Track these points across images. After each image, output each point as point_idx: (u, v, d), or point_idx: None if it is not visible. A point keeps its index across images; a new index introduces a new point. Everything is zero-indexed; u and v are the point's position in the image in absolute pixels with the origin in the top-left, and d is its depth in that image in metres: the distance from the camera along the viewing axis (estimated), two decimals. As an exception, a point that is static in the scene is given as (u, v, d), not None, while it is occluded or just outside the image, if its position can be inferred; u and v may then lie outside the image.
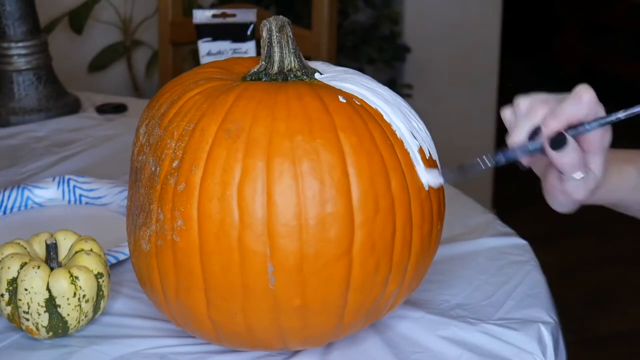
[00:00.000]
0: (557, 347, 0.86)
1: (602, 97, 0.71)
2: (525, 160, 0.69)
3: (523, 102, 0.70)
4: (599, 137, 0.68)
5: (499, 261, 0.98)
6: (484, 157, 0.69)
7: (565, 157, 0.67)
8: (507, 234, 1.04)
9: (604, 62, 3.91)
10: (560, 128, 0.67)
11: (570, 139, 0.66)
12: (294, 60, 0.80)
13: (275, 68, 0.80)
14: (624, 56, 3.87)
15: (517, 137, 0.68)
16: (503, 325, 0.85)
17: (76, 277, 0.82)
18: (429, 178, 0.75)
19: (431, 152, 0.79)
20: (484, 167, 0.69)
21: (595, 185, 0.70)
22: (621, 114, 0.68)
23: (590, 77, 0.85)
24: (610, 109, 0.76)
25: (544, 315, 0.88)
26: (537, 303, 0.90)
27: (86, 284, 0.82)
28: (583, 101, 0.67)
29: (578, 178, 0.68)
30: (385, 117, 0.77)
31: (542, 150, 0.67)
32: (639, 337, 2.27)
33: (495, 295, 0.91)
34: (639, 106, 0.66)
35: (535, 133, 0.68)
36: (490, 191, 2.75)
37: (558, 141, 0.66)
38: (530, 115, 0.68)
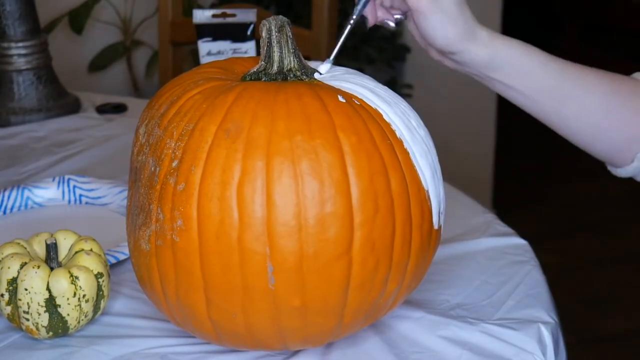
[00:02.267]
0: (557, 347, 0.86)
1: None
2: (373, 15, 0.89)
3: None
4: None
5: (499, 261, 0.98)
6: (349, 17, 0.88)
7: None
8: (507, 234, 1.04)
9: (603, 62, 3.90)
10: None
11: None
12: (294, 60, 0.80)
13: (275, 68, 0.80)
14: (624, 56, 3.86)
15: None
16: (503, 325, 0.85)
17: (76, 277, 0.82)
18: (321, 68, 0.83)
19: (431, 153, 0.79)
20: (350, 26, 0.87)
21: None
22: None
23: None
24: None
25: (544, 315, 0.88)
26: (537, 303, 0.90)
27: (86, 284, 0.82)
28: None
29: None
30: (384, 116, 0.76)
31: None
32: (639, 338, 2.27)
33: (495, 295, 0.91)
34: None
35: None
36: (490, 191, 2.75)
37: None
38: None
